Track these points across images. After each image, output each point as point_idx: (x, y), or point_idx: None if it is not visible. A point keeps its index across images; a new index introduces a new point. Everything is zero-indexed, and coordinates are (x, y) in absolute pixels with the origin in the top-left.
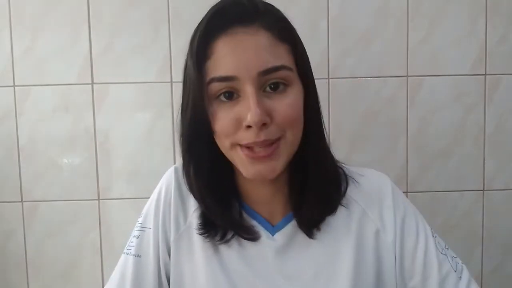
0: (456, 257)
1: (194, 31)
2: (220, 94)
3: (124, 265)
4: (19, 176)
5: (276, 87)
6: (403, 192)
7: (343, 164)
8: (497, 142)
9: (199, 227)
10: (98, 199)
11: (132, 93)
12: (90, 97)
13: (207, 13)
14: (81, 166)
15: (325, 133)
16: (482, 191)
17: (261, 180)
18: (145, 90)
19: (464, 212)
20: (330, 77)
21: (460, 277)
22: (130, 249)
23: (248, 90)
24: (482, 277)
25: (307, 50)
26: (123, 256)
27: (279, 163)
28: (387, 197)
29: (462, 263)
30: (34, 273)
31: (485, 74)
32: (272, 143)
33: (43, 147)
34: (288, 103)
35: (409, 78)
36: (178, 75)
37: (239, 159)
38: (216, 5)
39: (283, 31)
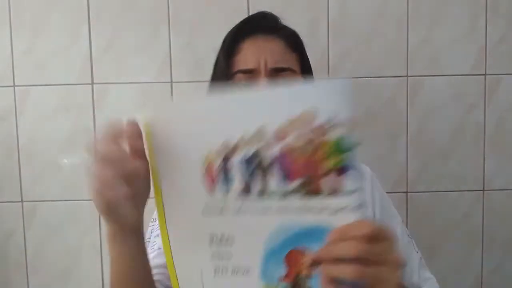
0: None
1: (227, 33)
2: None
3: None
4: (19, 176)
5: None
6: (403, 192)
7: None
8: (497, 142)
9: None
10: None
11: (132, 93)
12: (90, 97)
13: (240, 22)
14: (81, 166)
15: None
16: (482, 191)
17: None
18: (145, 90)
19: (464, 212)
20: (330, 77)
21: (421, 258)
22: (153, 246)
23: (261, 80)
24: (482, 277)
25: (307, 50)
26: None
27: None
28: (367, 175)
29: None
30: (34, 273)
31: (485, 74)
32: None
33: (43, 147)
34: None
35: (409, 78)
36: (178, 75)
37: None
38: (247, 17)
39: (295, 43)
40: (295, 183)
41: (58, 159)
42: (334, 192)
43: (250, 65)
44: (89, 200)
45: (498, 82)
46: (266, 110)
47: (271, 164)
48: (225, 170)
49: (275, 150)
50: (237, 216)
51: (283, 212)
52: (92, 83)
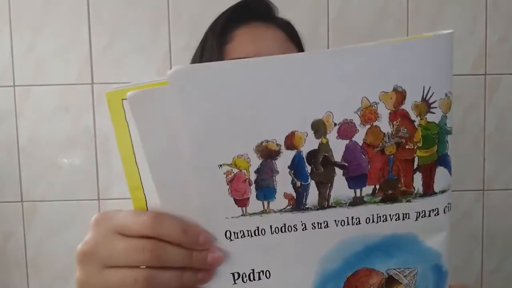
0: None
1: (218, 17)
2: None
3: None
4: (19, 176)
5: None
6: None
7: None
8: (497, 142)
9: None
10: (98, 199)
11: None
12: (90, 97)
13: (233, 5)
14: (81, 166)
15: None
16: (482, 191)
17: None
18: None
19: (464, 212)
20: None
21: None
22: None
23: None
24: (482, 277)
25: (307, 51)
26: None
27: None
28: None
29: None
30: (34, 273)
31: (485, 74)
32: None
33: (43, 147)
34: None
35: None
36: None
37: None
38: (242, 1)
39: (293, 34)
40: (373, 185)
41: (58, 159)
42: (422, 193)
43: (248, 55)
44: (89, 200)
45: (498, 82)
46: (343, 84)
47: (341, 161)
48: (264, 176)
49: (349, 142)
50: (277, 239)
51: (348, 225)
52: (92, 83)
